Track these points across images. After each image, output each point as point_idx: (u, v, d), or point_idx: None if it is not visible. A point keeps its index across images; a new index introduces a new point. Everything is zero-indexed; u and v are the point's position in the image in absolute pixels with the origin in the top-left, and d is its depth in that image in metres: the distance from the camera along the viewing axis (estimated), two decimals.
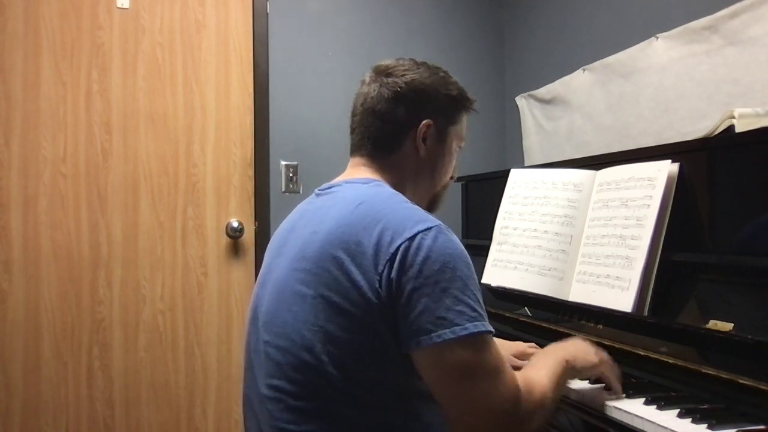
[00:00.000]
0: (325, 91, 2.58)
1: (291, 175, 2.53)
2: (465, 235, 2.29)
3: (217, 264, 2.42)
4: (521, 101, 2.69)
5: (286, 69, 2.53)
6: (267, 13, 2.49)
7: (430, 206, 1.18)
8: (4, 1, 2.21)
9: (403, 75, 1.10)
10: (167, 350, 2.36)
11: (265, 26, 2.49)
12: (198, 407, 2.39)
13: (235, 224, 2.41)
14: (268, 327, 1.00)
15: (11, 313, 2.20)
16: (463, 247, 0.94)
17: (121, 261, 2.31)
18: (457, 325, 0.88)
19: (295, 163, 2.53)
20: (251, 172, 2.46)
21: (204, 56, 2.42)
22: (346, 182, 1.08)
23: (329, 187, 1.09)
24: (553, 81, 2.45)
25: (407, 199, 1.02)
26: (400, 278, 0.89)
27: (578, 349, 1.12)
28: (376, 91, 1.10)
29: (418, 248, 0.90)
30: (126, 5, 2.33)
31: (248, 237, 2.45)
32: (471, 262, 0.94)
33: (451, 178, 1.20)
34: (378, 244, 0.91)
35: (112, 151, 2.32)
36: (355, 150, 1.13)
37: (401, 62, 1.14)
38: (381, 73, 1.12)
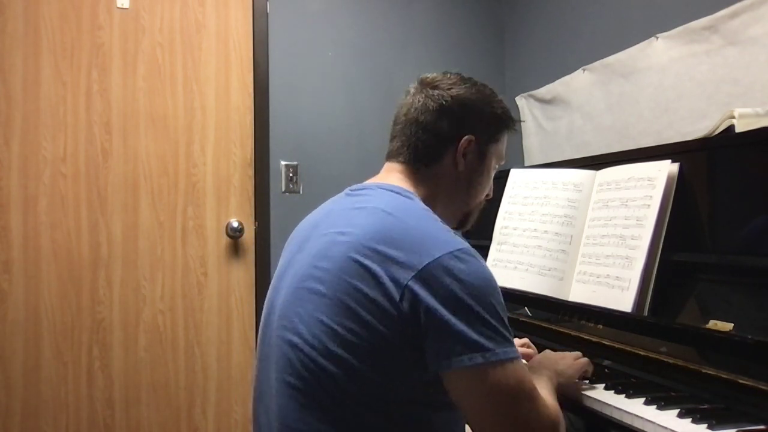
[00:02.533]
0: (325, 91, 2.58)
1: (291, 175, 2.53)
2: (465, 235, 2.29)
3: (217, 264, 2.42)
4: (521, 101, 2.69)
5: (286, 69, 2.53)
6: (267, 13, 2.49)
7: (462, 224, 1.18)
8: (4, 1, 2.21)
9: (449, 89, 1.09)
10: (167, 350, 2.36)
11: (265, 26, 2.49)
12: (198, 407, 2.39)
13: (235, 224, 2.41)
14: (282, 321, 1.00)
15: (11, 313, 2.20)
16: (489, 270, 0.94)
17: (121, 261, 2.31)
18: (488, 350, 0.87)
19: (295, 163, 2.53)
20: (251, 172, 2.46)
21: (204, 56, 2.42)
22: (379, 186, 1.06)
23: (361, 189, 1.08)
24: (553, 81, 2.45)
25: (437, 217, 1.01)
26: (428, 297, 0.88)
27: (560, 365, 1.15)
28: (420, 102, 1.09)
29: (449, 269, 0.89)
30: (126, 5, 2.33)
31: (248, 237, 2.45)
32: (498, 286, 0.94)
33: (487, 196, 1.19)
34: (403, 259, 0.90)
35: (112, 151, 2.32)
36: (393, 156, 1.12)
37: (448, 76, 1.12)
38: (427, 85, 1.11)
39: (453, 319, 0.87)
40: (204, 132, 2.41)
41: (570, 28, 2.42)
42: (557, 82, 2.42)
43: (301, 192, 2.52)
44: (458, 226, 1.18)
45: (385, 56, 2.66)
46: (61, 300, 2.25)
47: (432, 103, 1.08)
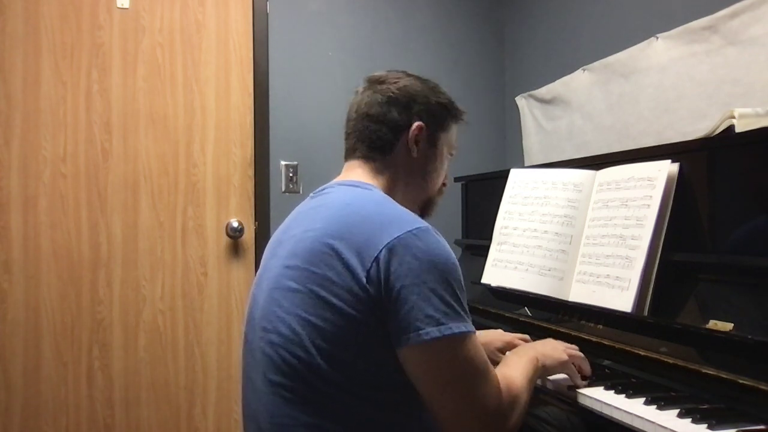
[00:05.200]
0: (325, 91, 2.58)
1: (291, 175, 2.53)
2: (465, 235, 2.29)
3: (217, 264, 2.42)
4: (521, 101, 2.69)
5: (286, 69, 2.53)
6: (267, 13, 2.49)
7: (423, 211, 1.21)
8: (4, 1, 2.21)
9: (395, 82, 1.15)
10: (167, 350, 2.36)
11: (265, 26, 2.49)
12: (198, 407, 2.39)
13: (235, 224, 2.41)
14: (261, 324, 1.03)
15: (11, 313, 2.20)
16: (450, 249, 0.97)
17: (121, 261, 2.31)
18: (443, 324, 0.91)
19: (295, 163, 2.53)
20: (251, 172, 2.46)
21: (204, 56, 2.42)
22: (338, 184, 1.12)
23: (322, 189, 1.13)
24: (553, 81, 2.45)
25: (396, 203, 1.05)
26: (389, 276, 0.92)
27: (548, 347, 1.20)
28: (369, 98, 1.15)
29: (407, 247, 0.93)
30: (126, 5, 2.33)
31: (248, 237, 2.45)
32: (458, 264, 0.97)
33: (444, 185, 1.23)
34: (365, 242, 0.94)
35: (112, 151, 2.32)
36: (350, 154, 1.17)
37: (393, 73, 1.19)
38: (374, 82, 1.17)
39: (410, 296, 0.91)
40: (204, 132, 2.41)
41: (570, 28, 2.42)
42: (557, 82, 2.42)
43: (301, 192, 2.52)
44: (420, 214, 1.21)
45: (385, 56, 2.66)
46: (61, 300, 2.25)
47: (380, 97, 1.14)
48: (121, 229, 2.32)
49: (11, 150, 2.22)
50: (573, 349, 1.23)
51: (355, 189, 1.08)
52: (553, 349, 1.20)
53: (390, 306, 0.92)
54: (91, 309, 2.28)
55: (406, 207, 1.14)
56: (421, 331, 0.90)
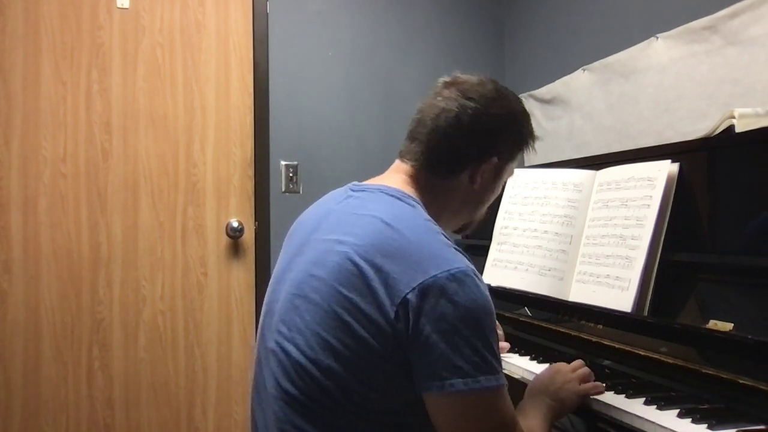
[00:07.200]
0: (325, 91, 2.58)
1: (291, 175, 2.53)
2: (465, 235, 2.29)
3: (217, 264, 2.42)
4: None
5: (286, 69, 2.52)
6: (267, 13, 2.49)
7: (462, 230, 1.17)
8: (4, 1, 2.21)
9: (487, 105, 1.04)
10: (167, 350, 2.36)
11: (265, 26, 2.49)
12: (198, 407, 2.39)
13: (235, 224, 2.41)
14: (279, 327, 0.99)
15: (11, 313, 2.20)
16: (488, 295, 0.91)
17: (121, 261, 2.31)
18: (471, 377, 0.86)
19: (295, 163, 2.53)
20: (251, 172, 2.46)
21: (204, 56, 2.42)
22: (380, 189, 1.03)
23: (362, 190, 1.05)
24: (553, 81, 2.45)
25: (439, 229, 0.97)
26: (419, 318, 0.86)
27: (564, 392, 1.10)
28: (453, 114, 1.03)
29: (442, 289, 0.86)
30: (126, 5, 2.33)
31: (248, 237, 2.45)
32: (494, 311, 0.92)
33: (489, 208, 1.17)
34: (398, 276, 0.88)
35: (112, 151, 2.32)
36: (407, 156, 1.07)
37: (485, 87, 1.06)
38: (462, 93, 1.04)
39: (440, 342, 0.86)
40: (204, 132, 2.41)
41: (570, 28, 2.42)
42: (557, 82, 2.42)
43: (301, 192, 2.52)
44: (459, 231, 1.17)
45: (385, 56, 2.66)
46: (61, 300, 2.25)
47: (466, 119, 1.02)
48: (121, 229, 2.32)
49: (11, 150, 2.22)
50: (587, 378, 1.14)
51: (396, 203, 0.99)
52: (569, 391, 1.10)
53: (416, 348, 0.87)
54: (91, 309, 2.28)
55: (447, 226, 1.08)
56: (445, 382, 0.86)
